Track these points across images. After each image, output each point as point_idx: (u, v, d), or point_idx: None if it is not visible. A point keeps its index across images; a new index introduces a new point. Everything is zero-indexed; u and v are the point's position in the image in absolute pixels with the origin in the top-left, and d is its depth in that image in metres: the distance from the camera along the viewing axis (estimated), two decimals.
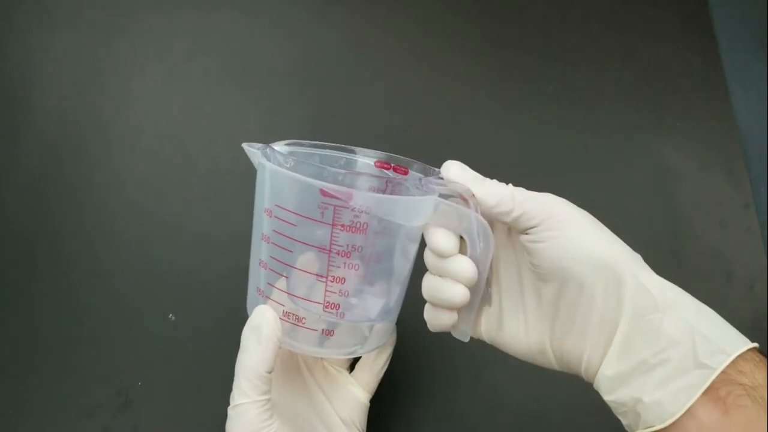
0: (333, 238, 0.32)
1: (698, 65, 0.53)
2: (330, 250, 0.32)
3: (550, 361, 0.32)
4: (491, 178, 0.36)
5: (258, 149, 0.34)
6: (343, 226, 0.31)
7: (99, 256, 0.47)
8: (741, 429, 0.25)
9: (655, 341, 0.27)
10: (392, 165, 0.36)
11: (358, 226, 0.31)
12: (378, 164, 0.36)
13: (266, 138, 0.51)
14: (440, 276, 0.32)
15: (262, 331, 0.32)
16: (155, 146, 0.51)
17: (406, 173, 0.36)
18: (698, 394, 0.26)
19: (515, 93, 0.52)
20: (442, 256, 0.31)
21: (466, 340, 0.34)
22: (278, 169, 0.32)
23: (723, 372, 0.26)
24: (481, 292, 0.32)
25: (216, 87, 0.52)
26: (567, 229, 0.30)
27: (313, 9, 0.55)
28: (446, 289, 0.31)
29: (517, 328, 0.33)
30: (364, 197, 0.31)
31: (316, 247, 0.32)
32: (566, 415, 0.45)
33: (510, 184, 0.32)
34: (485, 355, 0.46)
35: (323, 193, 0.31)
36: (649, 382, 0.27)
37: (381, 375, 0.39)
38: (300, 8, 0.55)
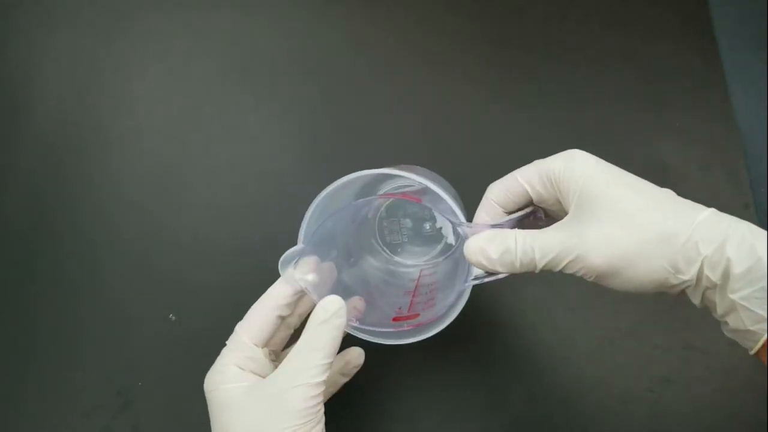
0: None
1: (698, 65, 0.53)
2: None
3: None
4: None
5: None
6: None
7: (99, 256, 0.48)
8: None
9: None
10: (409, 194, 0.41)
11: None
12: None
13: (266, 137, 0.51)
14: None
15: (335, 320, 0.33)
16: (155, 146, 0.51)
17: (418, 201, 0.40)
18: None
19: (515, 93, 0.52)
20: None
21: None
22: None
23: None
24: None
25: (216, 87, 0.52)
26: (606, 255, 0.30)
27: (313, 9, 0.55)
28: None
29: None
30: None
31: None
32: (566, 415, 0.45)
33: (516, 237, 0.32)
34: (486, 355, 0.46)
35: None
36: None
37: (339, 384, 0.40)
38: (300, 8, 0.55)
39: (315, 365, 0.32)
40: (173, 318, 0.46)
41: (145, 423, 0.44)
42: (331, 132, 0.51)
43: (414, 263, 0.44)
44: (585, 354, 0.46)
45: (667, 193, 0.32)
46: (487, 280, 0.34)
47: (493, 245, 0.32)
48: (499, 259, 0.32)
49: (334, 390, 0.40)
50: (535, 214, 0.36)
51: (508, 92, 0.53)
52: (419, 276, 0.42)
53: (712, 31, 0.55)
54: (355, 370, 0.40)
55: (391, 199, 0.44)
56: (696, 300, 0.30)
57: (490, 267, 0.33)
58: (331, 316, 0.33)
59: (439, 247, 0.45)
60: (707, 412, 0.45)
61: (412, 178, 0.35)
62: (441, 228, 0.44)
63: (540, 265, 0.31)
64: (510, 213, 0.35)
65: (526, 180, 0.34)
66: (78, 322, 0.46)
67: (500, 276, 0.34)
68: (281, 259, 0.35)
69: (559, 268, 0.31)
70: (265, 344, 0.36)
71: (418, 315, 0.37)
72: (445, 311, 0.36)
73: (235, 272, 0.47)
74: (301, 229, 0.36)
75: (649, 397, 0.45)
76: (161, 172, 0.50)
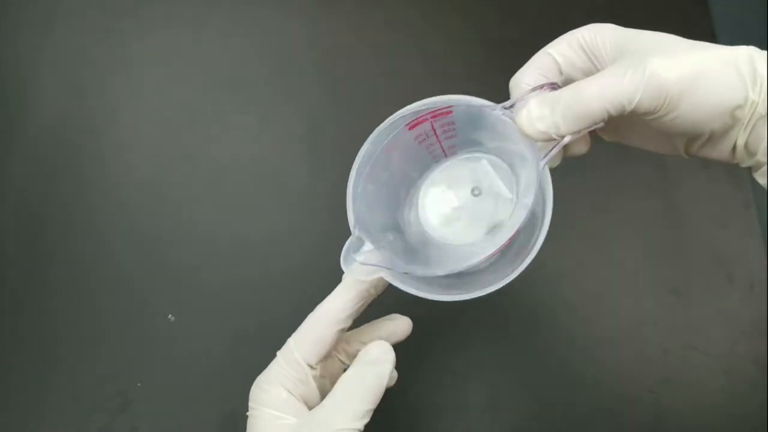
0: None
1: None
2: None
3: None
4: None
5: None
6: None
7: (98, 256, 0.47)
8: None
9: None
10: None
11: None
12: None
13: (266, 137, 0.51)
14: None
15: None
16: (155, 147, 0.51)
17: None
18: None
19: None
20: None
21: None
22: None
23: None
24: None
25: (216, 87, 0.52)
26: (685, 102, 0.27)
27: (313, 9, 0.55)
28: None
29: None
30: None
31: None
32: (567, 415, 0.45)
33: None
34: (486, 355, 0.46)
35: None
36: None
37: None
38: (300, 8, 0.55)
39: (359, 410, 0.30)
40: (172, 318, 0.46)
41: (145, 423, 0.44)
42: (332, 132, 0.51)
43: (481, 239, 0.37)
44: (585, 354, 0.46)
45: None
46: (555, 150, 0.30)
47: (548, 105, 0.29)
48: (562, 114, 0.28)
49: None
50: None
51: (508, 92, 0.53)
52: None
53: (712, 31, 0.55)
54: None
55: (430, 177, 0.38)
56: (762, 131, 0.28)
57: (551, 129, 0.28)
58: (372, 363, 0.32)
59: (491, 205, 0.37)
60: (707, 412, 0.45)
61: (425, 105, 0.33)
62: (490, 186, 0.38)
63: (613, 105, 0.27)
64: None
65: (557, 51, 0.31)
66: (77, 322, 0.46)
67: (565, 141, 0.29)
68: (342, 254, 0.31)
69: (635, 101, 0.27)
70: (321, 360, 0.33)
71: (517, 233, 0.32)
72: (531, 209, 0.31)
73: (234, 272, 0.47)
74: (348, 211, 0.32)
75: (649, 398, 0.45)
76: (161, 172, 0.50)
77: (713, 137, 0.29)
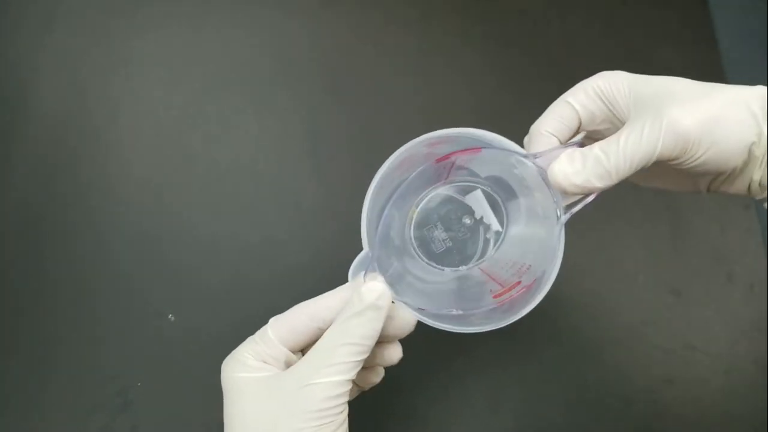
0: None
1: (698, 65, 0.53)
2: None
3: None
4: None
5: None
6: None
7: (98, 256, 0.47)
8: None
9: None
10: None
11: None
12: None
13: (266, 137, 0.51)
14: None
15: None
16: (154, 147, 0.51)
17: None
18: None
19: (516, 92, 0.52)
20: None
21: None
22: None
23: None
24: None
25: (216, 87, 0.52)
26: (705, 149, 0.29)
27: (313, 9, 0.55)
28: None
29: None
30: None
31: None
32: (567, 415, 0.45)
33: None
34: (485, 355, 0.46)
35: None
36: None
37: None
38: (300, 8, 0.55)
39: (341, 362, 0.29)
40: (172, 318, 0.46)
41: (145, 423, 0.44)
42: (332, 132, 0.51)
43: (466, 266, 0.40)
44: (585, 354, 0.46)
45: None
46: (579, 206, 0.32)
47: (579, 161, 0.30)
48: (594, 170, 0.30)
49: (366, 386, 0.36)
50: (585, 144, 0.33)
51: (509, 92, 0.53)
52: (481, 271, 0.39)
53: (712, 31, 0.55)
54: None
55: (419, 208, 0.40)
56: None
57: (585, 183, 0.30)
58: (365, 308, 0.30)
59: (481, 237, 0.40)
60: (708, 412, 0.45)
61: (451, 135, 0.34)
62: (482, 218, 0.40)
63: (637, 160, 0.29)
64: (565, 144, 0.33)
65: (576, 100, 0.33)
66: (77, 322, 0.46)
67: (590, 198, 0.31)
68: (352, 267, 0.32)
69: (657, 152, 0.29)
70: (296, 351, 0.32)
71: (519, 282, 0.34)
72: (550, 260, 0.33)
73: (234, 272, 0.47)
74: (362, 227, 0.33)
75: (649, 398, 0.45)
76: (160, 172, 0.50)
77: (733, 174, 0.30)
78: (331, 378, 0.29)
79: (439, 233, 0.39)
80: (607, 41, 0.54)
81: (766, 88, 0.29)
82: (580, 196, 0.32)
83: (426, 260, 0.39)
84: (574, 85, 0.33)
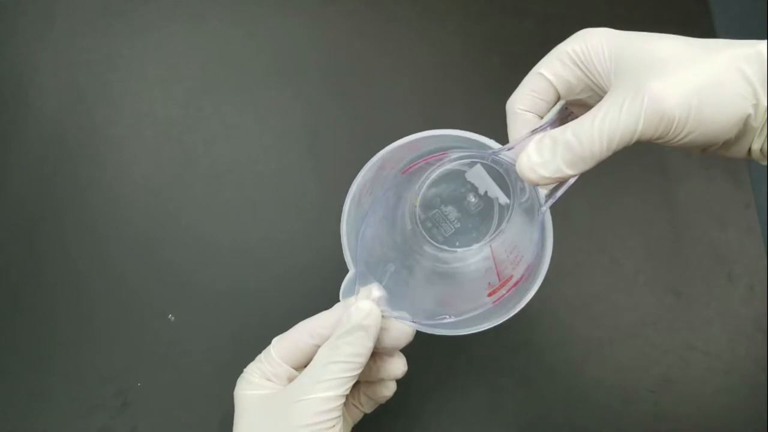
0: None
1: None
2: None
3: None
4: None
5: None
6: None
7: (98, 256, 0.47)
8: None
9: None
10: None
11: None
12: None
13: (266, 137, 0.51)
14: None
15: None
16: (154, 147, 0.51)
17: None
18: None
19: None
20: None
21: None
22: None
23: None
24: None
25: (215, 87, 0.52)
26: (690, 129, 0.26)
27: (313, 8, 0.55)
28: None
29: None
30: None
31: None
32: (567, 415, 0.45)
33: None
34: (485, 356, 0.46)
35: None
36: None
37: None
38: (300, 7, 0.55)
39: (331, 378, 0.30)
40: (172, 318, 0.46)
41: (144, 424, 0.44)
42: (332, 132, 0.51)
43: (480, 243, 0.39)
44: (585, 354, 0.46)
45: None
46: (559, 193, 0.30)
47: (548, 149, 0.27)
48: (563, 158, 0.27)
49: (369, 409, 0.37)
50: (568, 110, 0.31)
51: (509, 92, 0.53)
52: (491, 252, 0.38)
53: (712, 31, 0.55)
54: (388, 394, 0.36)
55: (420, 194, 0.39)
56: None
57: (555, 174, 0.27)
58: (352, 327, 0.31)
59: (496, 210, 0.39)
60: (708, 412, 0.45)
61: (424, 136, 0.33)
62: (486, 192, 0.38)
63: (615, 141, 0.26)
64: (542, 117, 0.31)
65: (550, 71, 0.29)
66: (77, 322, 0.46)
67: (571, 182, 0.29)
68: (341, 290, 0.33)
69: (637, 133, 0.26)
70: (298, 367, 0.33)
71: (511, 277, 0.34)
72: (537, 253, 0.33)
73: (234, 272, 0.47)
74: (343, 248, 0.33)
75: (649, 398, 0.45)
76: (160, 172, 0.50)
77: (728, 143, 0.27)
78: (321, 394, 0.30)
79: (448, 213, 0.39)
80: None
81: (765, 44, 0.25)
82: (556, 184, 0.29)
83: (436, 244, 0.39)
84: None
